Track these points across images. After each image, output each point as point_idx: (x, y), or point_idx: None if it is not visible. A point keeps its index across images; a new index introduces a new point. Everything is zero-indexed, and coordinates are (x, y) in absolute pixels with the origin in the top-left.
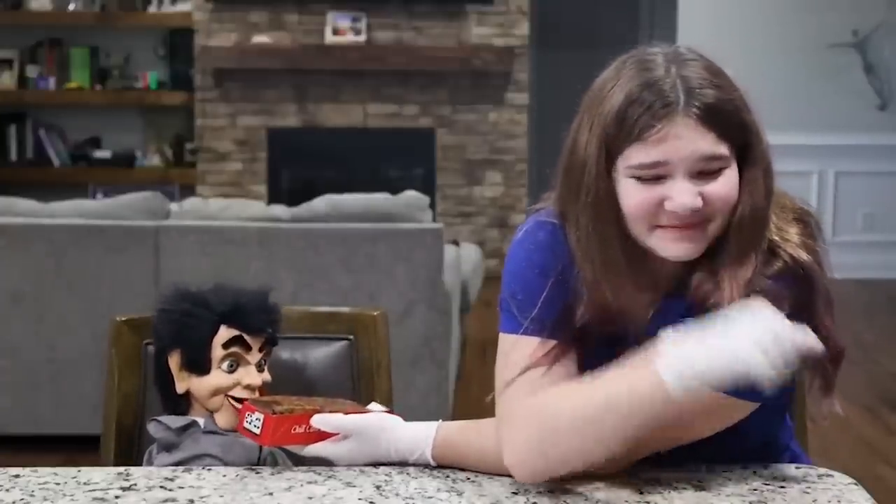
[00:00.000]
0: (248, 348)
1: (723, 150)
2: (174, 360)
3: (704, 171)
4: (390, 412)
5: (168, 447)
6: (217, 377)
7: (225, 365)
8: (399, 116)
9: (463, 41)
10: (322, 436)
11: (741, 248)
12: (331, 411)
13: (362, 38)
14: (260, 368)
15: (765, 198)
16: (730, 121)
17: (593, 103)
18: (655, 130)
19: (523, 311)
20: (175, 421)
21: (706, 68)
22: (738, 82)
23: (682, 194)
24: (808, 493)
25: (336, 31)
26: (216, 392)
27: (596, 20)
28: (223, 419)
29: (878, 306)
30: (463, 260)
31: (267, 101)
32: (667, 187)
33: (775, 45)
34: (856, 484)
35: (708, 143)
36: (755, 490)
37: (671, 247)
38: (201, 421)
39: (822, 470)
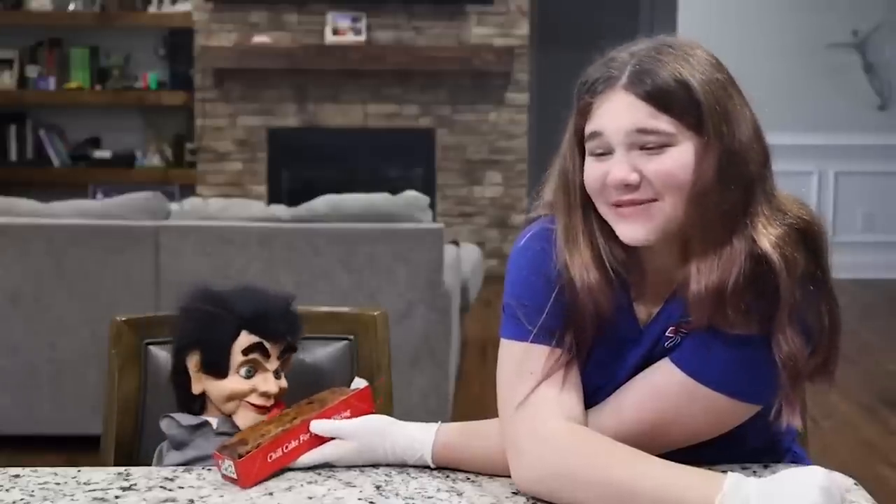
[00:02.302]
0: (268, 355)
1: (662, 125)
2: (193, 361)
3: (645, 147)
4: (369, 387)
5: (178, 445)
6: (234, 382)
7: (243, 371)
8: (399, 116)
9: (463, 41)
10: (308, 445)
11: (699, 234)
12: (314, 417)
13: (362, 38)
14: (277, 376)
15: (716, 181)
16: (676, 98)
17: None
18: (596, 103)
19: (531, 318)
20: (187, 419)
21: (670, 50)
22: (730, 79)
23: (615, 166)
24: None
25: (336, 31)
26: (232, 397)
27: (596, 20)
28: (242, 420)
29: (878, 306)
30: (463, 260)
31: (267, 101)
32: (609, 161)
33: (775, 45)
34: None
35: (643, 116)
36: None
37: (622, 229)
38: (214, 421)
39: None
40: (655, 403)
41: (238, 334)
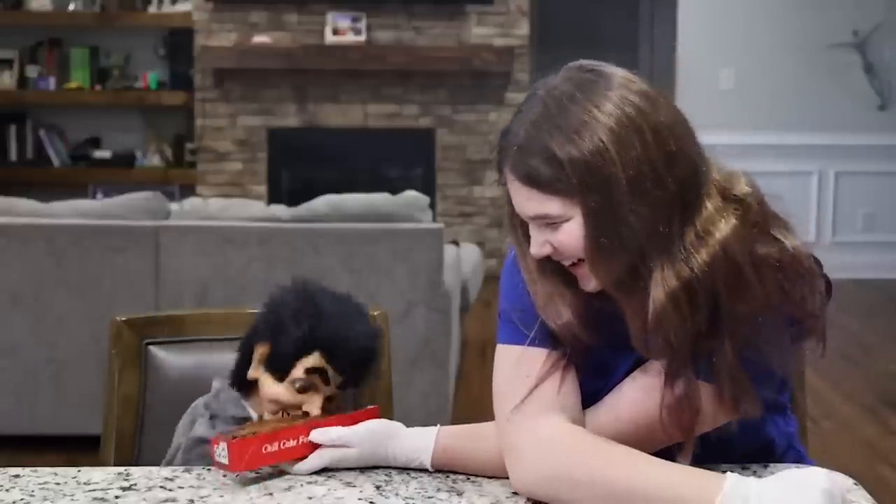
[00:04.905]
0: (328, 382)
1: (551, 207)
2: (260, 349)
3: (546, 224)
4: (378, 408)
5: (214, 418)
6: (284, 391)
7: (298, 384)
8: (399, 116)
9: (463, 41)
10: (306, 448)
11: (613, 292)
12: (314, 422)
13: (362, 38)
14: (328, 401)
15: (606, 247)
16: (554, 179)
17: None
18: (508, 184)
19: (526, 323)
20: (236, 406)
21: (569, 106)
22: (655, 120)
23: (532, 242)
24: None
25: (336, 31)
26: (275, 402)
27: (596, 20)
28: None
29: (878, 306)
30: (463, 260)
31: (267, 101)
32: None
33: (775, 45)
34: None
35: (535, 203)
36: None
37: (579, 282)
38: (255, 417)
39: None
40: (649, 401)
41: (311, 352)
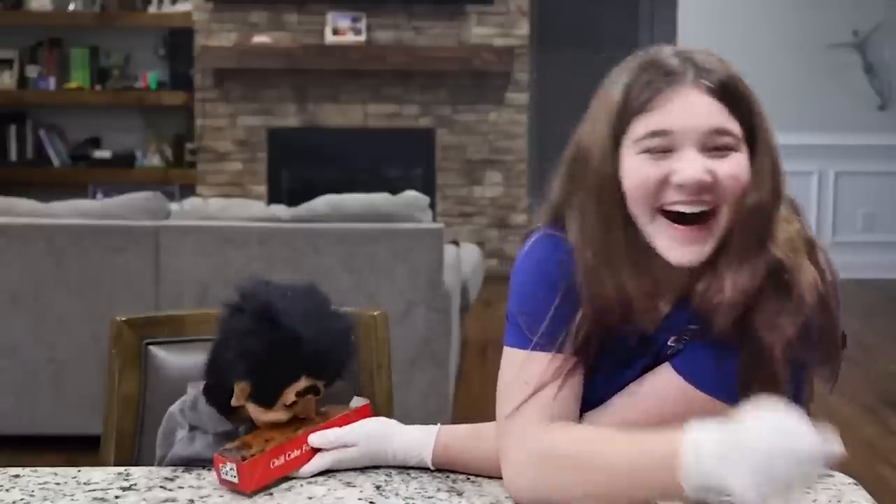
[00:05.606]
0: (319, 393)
1: (734, 126)
2: (240, 386)
3: (714, 148)
4: (369, 405)
5: (194, 430)
6: (278, 413)
7: (290, 404)
8: (399, 116)
9: (463, 41)
10: (310, 455)
11: (744, 246)
12: (313, 429)
13: (362, 38)
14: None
15: (771, 194)
16: (740, 99)
17: (597, 97)
18: (662, 96)
19: (532, 326)
20: (220, 422)
21: (716, 57)
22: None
23: (689, 165)
24: (808, 492)
25: (336, 31)
26: (271, 425)
27: (596, 20)
28: None
29: (878, 306)
30: (463, 260)
31: (267, 101)
32: (673, 160)
33: (775, 45)
34: (856, 484)
35: (720, 116)
36: None
37: (676, 250)
38: (241, 429)
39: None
40: (654, 408)
41: (297, 378)
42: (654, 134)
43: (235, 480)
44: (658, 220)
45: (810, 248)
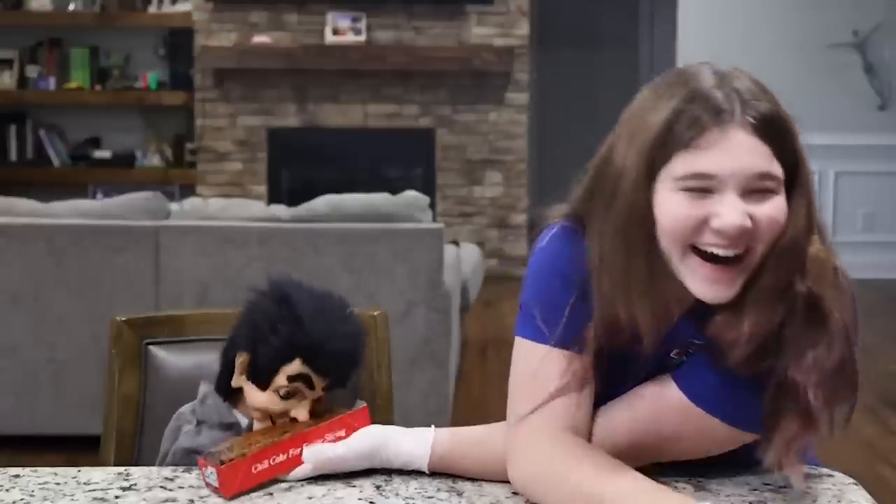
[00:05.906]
0: (312, 387)
1: (777, 169)
2: (240, 359)
3: (755, 191)
4: (367, 408)
5: (201, 424)
6: (269, 399)
7: (282, 392)
8: (399, 116)
9: (463, 41)
10: (297, 461)
11: (773, 283)
12: (300, 433)
13: (362, 38)
14: (317, 402)
15: (806, 231)
16: (784, 137)
17: (634, 116)
18: (708, 136)
19: (548, 321)
20: (225, 412)
21: (756, 83)
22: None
23: (731, 211)
24: (808, 492)
25: (336, 31)
26: (262, 411)
27: (596, 20)
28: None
29: (878, 306)
30: (463, 260)
31: (267, 101)
32: (713, 202)
33: (775, 45)
34: (856, 484)
35: (764, 160)
36: (755, 490)
37: (705, 288)
38: (244, 421)
39: (823, 470)
40: (649, 420)
41: (292, 359)
42: (697, 176)
43: (216, 485)
44: (689, 258)
45: (835, 275)
